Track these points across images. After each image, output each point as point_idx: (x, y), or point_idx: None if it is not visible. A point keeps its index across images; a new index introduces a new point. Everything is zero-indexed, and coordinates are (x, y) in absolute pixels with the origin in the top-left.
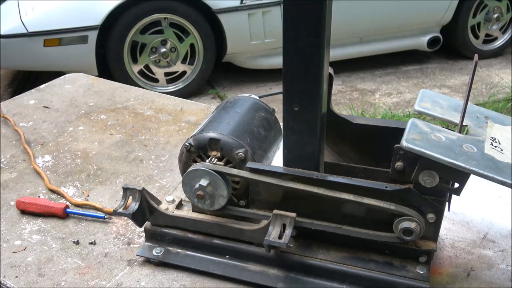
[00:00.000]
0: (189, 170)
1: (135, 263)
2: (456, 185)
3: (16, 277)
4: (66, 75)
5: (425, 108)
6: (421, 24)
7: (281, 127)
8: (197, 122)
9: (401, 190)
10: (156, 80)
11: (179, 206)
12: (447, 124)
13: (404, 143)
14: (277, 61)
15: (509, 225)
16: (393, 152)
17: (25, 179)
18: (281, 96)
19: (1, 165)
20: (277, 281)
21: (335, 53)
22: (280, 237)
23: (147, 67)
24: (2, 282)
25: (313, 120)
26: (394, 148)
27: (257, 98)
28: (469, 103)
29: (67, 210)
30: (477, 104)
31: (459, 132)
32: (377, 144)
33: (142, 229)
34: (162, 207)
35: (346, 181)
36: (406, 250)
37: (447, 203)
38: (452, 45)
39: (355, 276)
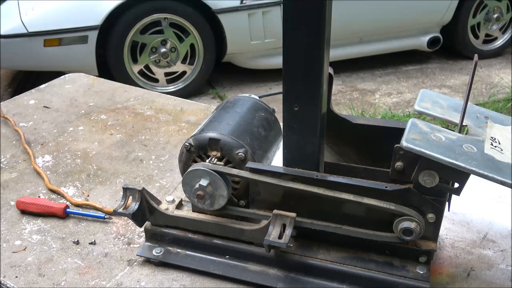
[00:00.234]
0: (189, 170)
1: (135, 263)
2: (456, 185)
3: (16, 277)
4: (66, 75)
5: (425, 108)
6: (421, 24)
7: (281, 127)
8: (197, 122)
9: (401, 190)
10: (156, 80)
11: (179, 206)
12: (447, 124)
13: (404, 143)
14: (277, 61)
15: (509, 225)
16: (393, 152)
17: (25, 179)
18: (281, 96)
19: (1, 165)
20: (277, 281)
21: (335, 53)
22: (280, 237)
23: (147, 67)
24: (2, 282)
25: (313, 120)
26: (394, 148)
27: (257, 98)
28: (469, 103)
29: (67, 210)
30: (477, 104)
31: (459, 132)
32: (377, 144)
33: (142, 229)
34: (162, 207)
35: (346, 181)
36: (406, 250)
37: (447, 203)
38: (452, 45)
39: (355, 276)
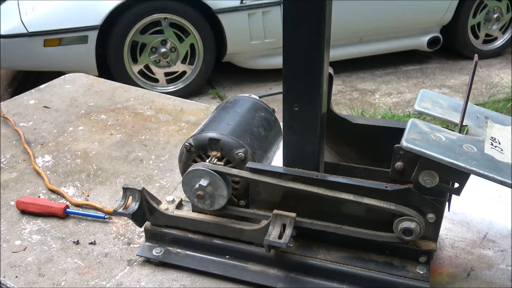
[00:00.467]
0: (189, 170)
1: (135, 263)
2: (456, 185)
3: (16, 277)
4: (66, 75)
5: (425, 108)
6: (421, 24)
7: (281, 127)
8: (197, 122)
9: (401, 190)
10: (156, 80)
11: (179, 206)
12: (447, 124)
13: (404, 143)
14: (277, 61)
15: (509, 225)
16: (393, 152)
17: (25, 179)
18: (281, 96)
19: (1, 165)
20: (277, 281)
21: (335, 53)
22: (280, 237)
23: (147, 67)
24: (2, 282)
25: (313, 120)
26: (394, 148)
27: (257, 98)
28: (469, 103)
29: (67, 210)
30: (477, 104)
31: (459, 132)
32: (377, 144)
33: (142, 229)
34: (162, 207)
35: (346, 181)
36: (406, 250)
37: (447, 203)
38: (452, 45)
39: (355, 276)
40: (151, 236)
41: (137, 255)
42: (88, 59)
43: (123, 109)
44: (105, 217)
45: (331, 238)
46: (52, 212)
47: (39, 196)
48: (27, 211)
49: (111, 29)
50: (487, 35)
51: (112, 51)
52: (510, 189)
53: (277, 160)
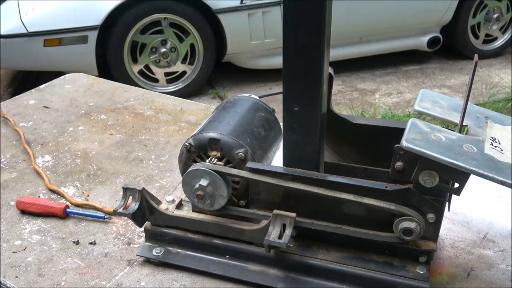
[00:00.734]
0: (189, 170)
1: (135, 263)
2: (456, 185)
3: (16, 277)
4: (66, 75)
5: (425, 108)
6: (421, 24)
7: (281, 127)
8: (197, 122)
9: (401, 190)
10: (156, 80)
11: (179, 206)
12: (447, 124)
13: (404, 143)
14: (277, 61)
15: (509, 225)
16: (393, 152)
17: (25, 179)
18: (281, 96)
19: (1, 165)
20: (277, 281)
21: (335, 53)
22: (280, 237)
23: (147, 67)
24: (2, 282)
25: (313, 120)
26: (394, 148)
27: (257, 98)
28: (469, 103)
29: (67, 210)
30: (477, 104)
31: (459, 132)
32: (377, 144)
33: (142, 229)
34: (162, 207)
35: (346, 181)
36: (406, 250)
37: (447, 203)
38: (452, 45)
39: (355, 276)
40: (151, 236)
41: (137, 255)
42: (88, 59)
43: (123, 109)
44: (105, 217)
45: (331, 238)
46: (52, 212)
47: (39, 196)
48: (27, 211)
49: (111, 29)
50: (487, 35)
51: (112, 51)
52: (510, 189)
53: (277, 160)
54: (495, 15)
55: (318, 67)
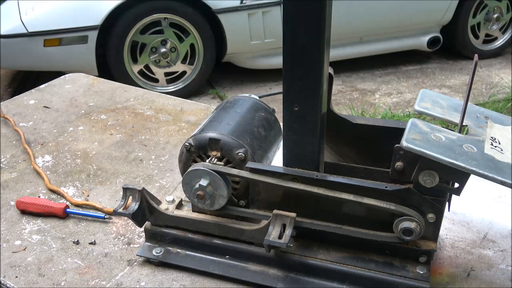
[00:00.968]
0: (189, 170)
1: (135, 263)
2: (456, 185)
3: (16, 277)
4: (66, 75)
5: (425, 108)
6: (421, 24)
7: (281, 127)
8: (197, 122)
9: (401, 190)
10: (156, 80)
11: (179, 206)
12: (447, 124)
13: (404, 143)
14: (277, 61)
15: (509, 225)
16: (393, 152)
17: (25, 179)
18: (281, 96)
19: (1, 165)
20: (277, 281)
21: (335, 53)
22: (280, 237)
23: (147, 67)
24: (2, 282)
25: (313, 120)
26: (394, 148)
27: (257, 98)
28: (469, 103)
29: (67, 210)
30: (477, 104)
31: (459, 132)
32: (377, 144)
33: (142, 229)
34: (162, 207)
35: (346, 181)
36: (406, 250)
37: (447, 203)
38: (452, 45)
39: (355, 276)
40: (151, 236)
41: (137, 255)
42: (88, 59)
43: (123, 109)
44: (105, 217)
45: (331, 238)
46: (52, 212)
47: (39, 196)
48: (27, 211)
49: (111, 29)
50: (487, 35)
51: (112, 51)
52: (510, 189)
53: (277, 160)
54: (495, 15)
55: (318, 67)
